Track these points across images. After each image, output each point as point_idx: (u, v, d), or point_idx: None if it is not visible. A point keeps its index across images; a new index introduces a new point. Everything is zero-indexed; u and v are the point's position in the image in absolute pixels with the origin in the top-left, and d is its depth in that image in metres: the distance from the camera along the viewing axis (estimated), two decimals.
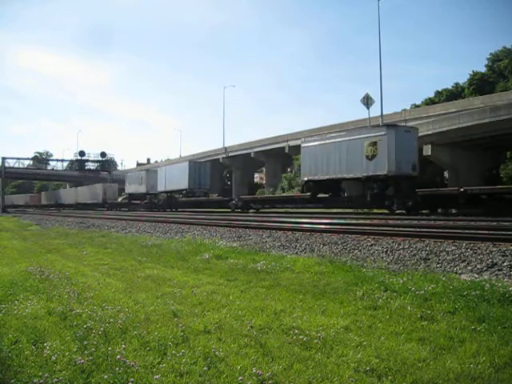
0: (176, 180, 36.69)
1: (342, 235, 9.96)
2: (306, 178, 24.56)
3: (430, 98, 59.04)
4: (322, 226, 12.22)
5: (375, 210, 23.23)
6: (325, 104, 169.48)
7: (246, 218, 18.11)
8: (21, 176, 75.16)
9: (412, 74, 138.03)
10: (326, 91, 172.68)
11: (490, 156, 31.35)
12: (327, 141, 23.33)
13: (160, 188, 39.40)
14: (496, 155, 32.40)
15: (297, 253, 9.16)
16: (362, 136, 21.11)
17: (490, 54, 58.43)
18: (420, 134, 29.54)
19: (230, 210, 32.45)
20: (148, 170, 44.83)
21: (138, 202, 43.99)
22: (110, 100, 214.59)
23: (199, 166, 37.24)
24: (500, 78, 53.66)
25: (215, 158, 59.58)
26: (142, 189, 41.78)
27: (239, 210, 29.59)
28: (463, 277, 6.01)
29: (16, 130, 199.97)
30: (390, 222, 13.50)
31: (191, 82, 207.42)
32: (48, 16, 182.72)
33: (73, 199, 59.33)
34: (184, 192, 36.31)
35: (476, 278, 5.82)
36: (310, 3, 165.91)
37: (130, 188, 44.99)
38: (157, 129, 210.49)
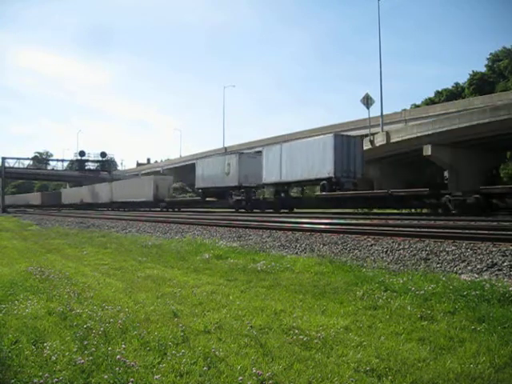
0: (305, 164, 24.08)
1: (342, 235, 9.95)
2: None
3: (429, 98, 59.12)
4: (322, 226, 12.22)
5: (375, 210, 23.25)
6: (325, 104, 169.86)
7: (246, 218, 18.10)
8: (21, 176, 75.17)
9: (412, 74, 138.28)
10: (325, 91, 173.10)
11: (490, 156, 31.38)
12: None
13: (268, 178, 26.74)
14: (496, 155, 32.42)
15: (297, 253, 9.16)
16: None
17: (490, 53, 58.62)
18: (419, 135, 29.96)
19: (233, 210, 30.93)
20: (241, 152, 33.27)
21: (214, 199, 33.21)
22: (109, 100, 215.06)
23: (347, 142, 23.61)
24: (500, 77, 53.71)
25: None
26: (230, 180, 29.43)
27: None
28: (463, 277, 6.01)
29: (16, 130, 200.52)
30: (390, 222, 13.50)
31: (191, 82, 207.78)
32: (48, 16, 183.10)
33: (106, 197, 49.54)
34: (325, 183, 22.93)
35: (476, 278, 5.82)
36: (310, 3, 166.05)
37: (203, 180, 32.66)
38: (157, 129, 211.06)
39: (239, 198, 28.87)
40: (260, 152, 29.33)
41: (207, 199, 33.68)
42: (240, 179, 28.73)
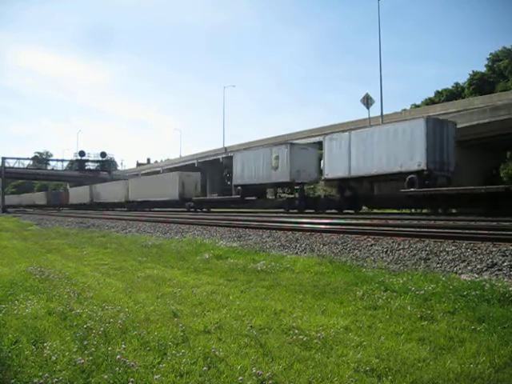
0: (384, 156, 19.75)
1: (342, 235, 9.96)
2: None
3: (430, 98, 59.12)
4: (322, 226, 12.22)
5: (375, 210, 23.26)
6: (325, 104, 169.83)
7: (246, 218, 18.10)
8: (21, 176, 75.14)
9: (412, 74, 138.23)
10: (325, 91, 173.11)
11: (490, 156, 31.37)
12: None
13: (331, 172, 22.48)
14: (496, 155, 32.43)
15: (297, 253, 9.16)
16: None
17: (490, 53, 58.62)
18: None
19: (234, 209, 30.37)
20: (292, 143, 27.36)
21: (253, 198, 28.39)
22: (110, 100, 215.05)
23: (440, 127, 19.07)
24: (500, 78, 53.72)
25: (215, 157, 59.61)
26: (278, 176, 25.44)
27: None
28: (463, 277, 6.01)
29: (16, 130, 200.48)
30: (390, 222, 13.50)
31: (191, 82, 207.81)
32: (48, 16, 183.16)
33: (120, 196, 45.57)
34: (413, 177, 18.55)
35: (476, 278, 5.82)
36: (310, 3, 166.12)
37: (242, 176, 28.46)
38: (157, 129, 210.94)
39: (291, 196, 25.10)
40: (309, 143, 26.56)
41: (246, 198, 28.86)
42: (292, 174, 24.54)
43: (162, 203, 38.07)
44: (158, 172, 65.66)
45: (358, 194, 22.15)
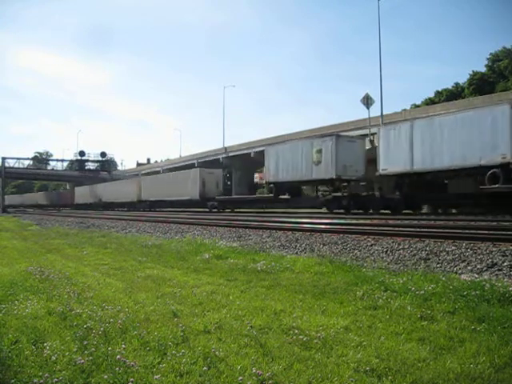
0: (457, 147, 17.27)
1: (342, 235, 9.96)
2: None
3: (429, 98, 59.14)
4: (322, 226, 12.23)
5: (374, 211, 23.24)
6: (325, 104, 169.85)
7: (246, 218, 18.11)
8: (21, 176, 75.12)
9: (412, 74, 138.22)
10: (325, 91, 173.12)
11: None
12: None
13: (388, 167, 19.72)
14: None
15: (297, 253, 9.16)
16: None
17: (490, 54, 58.64)
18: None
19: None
20: (338, 135, 23.92)
21: (287, 196, 25.64)
22: (110, 100, 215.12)
23: None
24: (500, 78, 53.73)
25: (215, 158, 59.61)
26: (320, 172, 22.58)
27: None
28: (463, 277, 6.01)
29: (16, 130, 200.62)
30: (390, 222, 13.50)
31: (191, 82, 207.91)
32: (48, 16, 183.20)
33: (131, 195, 42.40)
34: (496, 172, 15.92)
35: (476, 278, 5.82)
36: (310, 3, 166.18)
37: (276, 172, 25.58)
38: (157, 129, 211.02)
39: (338, 194, 21.99)
40: (349, 138, 23.54)
41: (280, 197, 25.93)
42: (338, 170, 21.68)
43: (180, 203, 35.38)
44: (158, 172, 65.53)
45: (420, 192, 19.14)
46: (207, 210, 31.86)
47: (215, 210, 31.35)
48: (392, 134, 19.88)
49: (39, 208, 66.75)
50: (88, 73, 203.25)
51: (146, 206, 40.17)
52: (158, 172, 65.49)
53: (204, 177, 32.94)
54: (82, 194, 56.79)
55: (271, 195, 26.45)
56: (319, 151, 22.88)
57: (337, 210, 22.13)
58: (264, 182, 27.71)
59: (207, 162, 60.89)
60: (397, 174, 19.74)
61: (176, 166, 67.81)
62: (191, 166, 53.82)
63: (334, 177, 21.97)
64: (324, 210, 24.37)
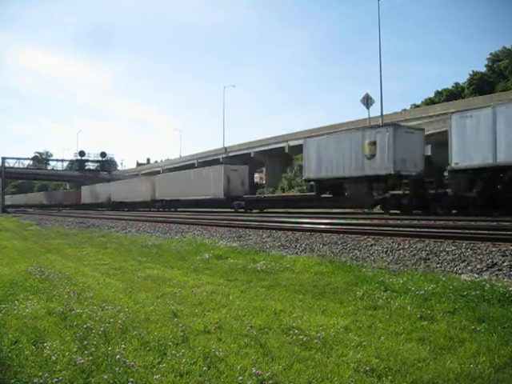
0: None
1: (341, 235, 9.96)
2: None
3: (430, 98, 59.16)
4: (322, 226, 12.23)
5: (375, 210, 23.22)
6: (325, 104, 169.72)
7: (246, 218, 18.11)
8: (21, 176, 75.15)
9: (412, 74, 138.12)
10: (325, 91, 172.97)
11: None
12: None
13: (463, 160, 17.03)
14: None
15: (297, 253, 9.16)
16: None
17: (490, 54, 58.68)
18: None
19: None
20: (396, 124, 21.89)
21: (329, 195, 23.08)
22: (110, 100, 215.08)
23: None
24: (500, 78, 53.74)
25: (215, 158, 59.64)
26: (374, 167, 19.99)
27: None
28: (463, 277, 6.01)
29: (16, 130, 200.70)
30: (390, 222, 13.50)
31: (191, 82, 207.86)
32: (48, 16, 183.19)
33: (145, 194, 40.21)
34: None
35: (476, 278, 5.82)
36: (310, 3, 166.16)
37: (319, 168, 22.54)
38: (157, 129, 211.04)
39: (397, 192, 18.92)
40: (407, 128, 20.85)
41: (323, 195, 23.15)
42: (396, 165, 19.10)
43: (201, 202, 32.45)
44: (158, 172, 65.42)
45: (504, 190, 16.21)
46: (232, 210, 29.04)
47: (241, 211, 28.45)
48: (468, 123, 17.08)
49: (39, 208, 66.36)
50: (88, 73, 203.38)
51: (161, 205, 37.73)
52: (157, 172, 65.35)
53: (229, 174, 29.90)
54: (90, 193, 54.15)
55: (312, 194, 23.39)
56: (373, 143, 19.98)
57: (393, 211, 19.46)
58: (302, 178, 24.71)
59: (207, 162, 60.97)
60: (475, 169, 16.90)
61: (176, 165, 67.85)
62: (191, 166, 53.79)
63: (392, 172, 19.16)
64: (359, 209, 22.50)
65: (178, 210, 36.94)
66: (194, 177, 34.32)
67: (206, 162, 59.63)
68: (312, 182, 23.59)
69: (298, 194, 27.77)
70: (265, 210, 28.72)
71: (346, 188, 22.22)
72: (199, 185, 32.22)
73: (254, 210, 28.58)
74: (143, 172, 76.46)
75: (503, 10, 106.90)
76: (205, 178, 32.02)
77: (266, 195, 29.92)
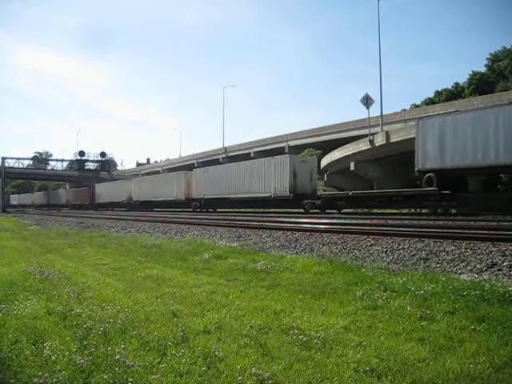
0: None
1: (341, 235, 9.96)
2: None
3: (429, 98, 59.12)
4: (322, 226, 12.21)
5: (375, 210, 23.17)
6: (325, 104, 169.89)
7: (245, 218, 18.10)
8: (21, 176, 75.10)
9: (412, 74, 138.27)
10: (326, 91, 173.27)
11: None
12: None
13: None
14: None
15: (296, 253, 9.16)
16: None
17: (490, 54, 58.66)
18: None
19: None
20: None
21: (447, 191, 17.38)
22: (110, 100, 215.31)
23: None
24: (500, 78, 53.74)
25: (215, 158, 59.64)
26: None
27: None
28: (463, 277, 6.01)
29: (16, 130, 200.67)
30: (390, 221, 13.49)
31: (191, 81, 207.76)
32: (48, 16, 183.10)
33: (177, 192, 34.13)
34: None
35: (476, 278, 5.82)
36: (311, 3, 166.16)
37: (442, 155, 17.61)
38: (157, 129, 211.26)
39: None
40: None
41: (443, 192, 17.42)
42: None
43: (257, 201, 26.68)
44: (157, 172, 65.34)
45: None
46: (302, 210, 23.82)
47: (312, 210, 23.09)
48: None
49: (46, 208, 65.65)
50: (88, 73, 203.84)
51: (199, 205, 32.05)
52: (157, 172, 65.31)
53: (295, 166, 24.01)
54: (106, 191, 48.33)
55: (433, 189, 17.58)
56: None
57: None
58: (415, 170, 18.88)
59: (207, 162, 61.07)
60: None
61: (176, 165, 67.91)
62: (191, 166, 53.75)
63: None
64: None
65: (224, 211, 30.68)
66: (247, 170, 27.58)
67: (206, 162, 59.69)
68: (430, 174, 17.98)
69: (410, 189, 20.01)
70: (357, 211, 22.79)
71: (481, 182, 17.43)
72: (254, 180, 26.36)
73: (332, 210, 22.84)
74: (143, 172, 76.48)
75: (503, 10, 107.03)
76: (263, 172, 25.87)
77: (354, 192, 22.39)
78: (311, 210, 23.09)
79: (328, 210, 22.95)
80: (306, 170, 24.65)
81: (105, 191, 48.71)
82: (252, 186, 26.70)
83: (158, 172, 65.36)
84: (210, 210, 32.20)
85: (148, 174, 66.21)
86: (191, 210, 32.55)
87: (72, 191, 61.12)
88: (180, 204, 34.69)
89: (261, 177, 26.08)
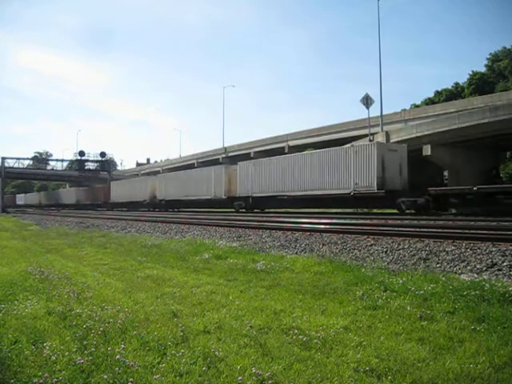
0: None
1: (341, 235, 9.95)
2: None
3: (429, 98, 59.13)
4: (322, 226, 12.21)
5: (375, 210, 23.16)
6: (325, 104, 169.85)
7: (245, 218, 18.10)
8: (21, 176, 75.12)
9: (412, 74, 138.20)
10: (326, 91, 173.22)
11: (489, 156, 31.37)
12: None
13: None
14: (496, 155, 32.44)
15: (296, 253, 9.16)
16: None
17: (490, 54, 58.74)
18: (419, 134, 28.76)
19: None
20: None
21: None
22: (110, 100, 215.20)
23: None
24: (500, 78, 53.78)
25: (215, 158, 59.61)
26: None
27: None
28: (463, 277, 6.01)
29: (16, 130, 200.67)
30: (390, 221, 13.49)
31: (191, 82, 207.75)
32: (48, 16, 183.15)
33: (217, 190, 29.27)
34: None
35: (476, 277, 5.82)
36: (311, 3, 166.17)
37: None
38: (157, 129, 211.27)
39: None
40: None
41: None
42: None
43: (331, 199, 21.96)
44: (157, 172, 65.21)
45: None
46: (396, 210, 19.54)
47: (422, 212, 17.90)
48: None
49: (38, 208, 65.14)
50: (88, 73, 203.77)
51: (243, 205, 27.30)
52: (157, 172, 65.17)
53: (384, 155, 19.62)
54: (123, 189, 43.04)
55: None
56: None
57: None
58: None
59: (207, 162, 61.01)
60: None
61: (176, 165, 67.89)
62: (191, 166, 53.61)
63: None
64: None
65: (278, 212, 25.72)
66: (314, 161, 22.56)
67: (206, 162, 59.66)
68: None
69: None
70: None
71: None
72: (326, 173, 21.66)
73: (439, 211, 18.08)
74: (143, 172, 76.44)
75: (503, 10, 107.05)
76: (339, 163, 21.13)
77: (480, 186, 17.16)
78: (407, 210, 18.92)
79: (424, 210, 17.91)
80: (396, 161, 20.10)
81: (122, 189, 43.05)
82: (321, 182, 21.94)
83: (158, 172, 65.18)
84: (255, 210, 26.99)
85: (148, 174, 66.03)
86: (234, 210, 27.77)
87: (83, 190, 56.45)
88: (218, 203, 29.86)
89: (335, 169, 21.24)
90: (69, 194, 59.75)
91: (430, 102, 55.66)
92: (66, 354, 3.25)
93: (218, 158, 58.56)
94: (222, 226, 14.43)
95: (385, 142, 28.00)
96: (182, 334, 3.69)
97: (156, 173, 61.37)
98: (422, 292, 4.86)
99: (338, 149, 22.29)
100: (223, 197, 28.67)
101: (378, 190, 19.29)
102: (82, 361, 3.10)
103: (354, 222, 13.70)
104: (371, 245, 8.69)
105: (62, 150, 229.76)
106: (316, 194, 22.26)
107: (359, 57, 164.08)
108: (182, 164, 66.19)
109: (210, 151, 63.14)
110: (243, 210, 27.13)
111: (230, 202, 28.65)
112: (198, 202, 31.81)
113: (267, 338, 3.60)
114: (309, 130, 48.50)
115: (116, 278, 6.63)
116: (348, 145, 22.18)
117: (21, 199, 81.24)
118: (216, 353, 3.26)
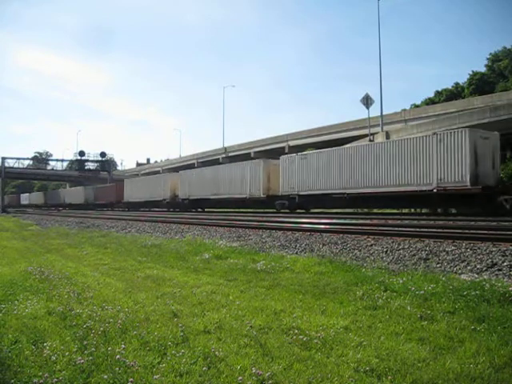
0: None
1: (341, 235, 9.96)
2: None
3: (429, 98, 59.10)
4: (322, 226, 12.21)
5: (375, 210, 23.15)
6: (325, 104, 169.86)
7: (246, 218, 18.10)
8: (21, 176, 75.17)
9: (412, 74, 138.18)
10: (325, 91, 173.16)
11: None
12: None
13: None
14: None
15: (296, 253, 9.16)
16: None
17: (490, 54, 58.71)
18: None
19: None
20: None
21: None
22: (110, 100, 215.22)
23: None
24: (500, 78, 53.76)
25: (215, 158, 59.61)
26: None
27: None
28: (463, 277, 6.01)
29: (16, 130, 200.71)
30: (390, 221, 13.49)
31: (191, 82, 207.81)
32: (48, 16, 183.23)
33: (252, 187, 25.81)
34: None
35: (476, 278, 5.82)
36: (311, 3, 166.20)
37: None
38: (157, 129, 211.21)
39: None
40: None
41: None
42: None
43: (405, 199, 18.58)
44: (157, 172, 65.17)
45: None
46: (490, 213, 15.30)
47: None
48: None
49: (38, 208, 64.87)
50: (88, 73, 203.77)
51: (288, 204, 23.75)
52: (157, 172, 65.12)
53: (476, 144, 16.17)
54: (139, 187, 39.09)
55: None
56: None
57: None
58: None
59: (207, 162, 60.97)
60: None
61: (176, 165, 67.86)
62: (191, 166, 53.55)
63: None
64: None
65: (325, 211, 23.21)
66: (380, 153, 18.99)
67: (206, 162, 59.64)
68: None
69: None
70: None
71: None
72: (396, 166, 18.19)
73: None
74: (143, 172, 76.44)
75: (503, 10, 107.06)
76: (416, 153, 17.56)
77: None
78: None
79: None
80: (488, 151, 16.62)
81: (137, 188, 39.05)
82: (388, 176, 18.44)
83: (157, 172, 65.15)
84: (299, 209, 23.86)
85: (148, 174, 66.00)
86: (276, 210, 24.52)
87: (91, 189, 51.89)
88: (255, 203, 26.46)
89: (409, 161, 17.74)
90: (76, 194, 55.90)
91: (430, 102, 55.64)
92: (66, 354, 3.25)
93: (218, 158, 58.57)
94: (222, 226, 14.44)
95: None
96: (182, 334, 3.69)
97: (156, 173, 61.38)
98: (422, 292, 4.86)
99: (415, 137, 18.40)
100: (262, 195, 25.06)
101: (471, 185, 15.49)
102: (82, 361, 3.09)
103: (354, 221, 13.69)
104: (371, 245, 8.69)
105: (62, 150, 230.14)
106: (383, 192, 18.44)
107: (359, 57, 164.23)
108: (182, 164, 66.14)
109: (210, 151, 63.15)
110: (288, 211, 23.64)
111: (269, 202, 24.94)
112: (229, 201, 28.27)
113: (267, 338, 3.60)
114: (309, 130, 48.50)
115: (116, 278, 6.63)
116: (429, 132, 18.77)
117: (25, 199, 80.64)
118: (216, 353, 3.26)
